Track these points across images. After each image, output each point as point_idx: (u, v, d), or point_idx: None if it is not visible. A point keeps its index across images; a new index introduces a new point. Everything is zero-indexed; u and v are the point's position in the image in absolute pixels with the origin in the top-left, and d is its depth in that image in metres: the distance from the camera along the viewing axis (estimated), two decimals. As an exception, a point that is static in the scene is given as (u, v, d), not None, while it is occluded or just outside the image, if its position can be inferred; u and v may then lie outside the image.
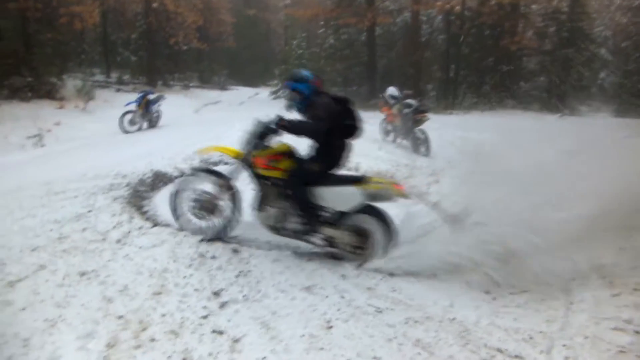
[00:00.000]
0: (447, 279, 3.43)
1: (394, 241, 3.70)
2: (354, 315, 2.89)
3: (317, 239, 3.85)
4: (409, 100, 9.67)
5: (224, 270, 3.40)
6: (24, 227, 3.98)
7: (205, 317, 2.79)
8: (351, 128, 3.81)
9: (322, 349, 2.54)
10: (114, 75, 22.19)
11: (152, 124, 12.69)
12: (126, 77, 21.87)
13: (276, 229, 3.87)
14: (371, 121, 11.82)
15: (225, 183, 3.94)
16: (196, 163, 6.48)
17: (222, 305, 2.94)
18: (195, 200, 3.99)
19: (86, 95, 14.96)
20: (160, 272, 3.27)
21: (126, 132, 11.62)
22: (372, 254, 3.72)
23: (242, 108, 18.97)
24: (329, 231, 3.78)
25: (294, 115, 3.87)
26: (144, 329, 2.64)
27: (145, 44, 22.83)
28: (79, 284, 3.08)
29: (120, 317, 2.74)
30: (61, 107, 13.79)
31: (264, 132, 3.79)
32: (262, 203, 3.87)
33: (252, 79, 32.81)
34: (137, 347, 2.49)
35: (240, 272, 3.38)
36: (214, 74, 29.79)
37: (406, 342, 2.63)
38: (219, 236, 3.93)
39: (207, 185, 4.00)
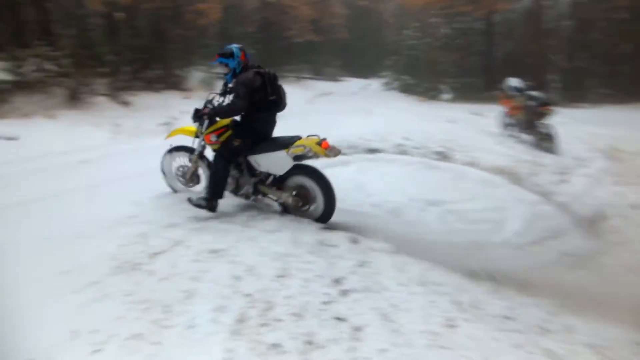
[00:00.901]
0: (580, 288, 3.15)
1: (332, 197, 4.01)
2: (478, 316, 2.77)
3: (270, 200, 4.37)
4: (532, 92, 8.98)
5: (344, 259, 3.43)
6: (164, 205, 4.38)
7: (326, 302, 2.85)
8: (276, 102, 4.25)
9: (444, 347, 2.47)
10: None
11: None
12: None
13: (235, 193, 4.38)
14: (488, 114, 11.22)
15: (196, 156, 4.46)
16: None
17: (343, 293, 2.97)
18: (179, 174, 4.69)
19: (208, 86, 16.03)
20: (283, 256, 3.40)
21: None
22: (315, 210, 4.11)
23: (354, 99, 19.03)
24: (275, 193, 4.25)
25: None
26: (270, 309, 2.76)
27: (262, 38, 23.91)
28: (211, 261, 3.31)
29: (248, 295, 2.90)
30: (187, 97, 14.92)
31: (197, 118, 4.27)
32: None
33: (363, 70, 32.68)
34: (264, 325, 2.61)
35: (360, 262, 3.40)
36: (326, 65, 30.22)
37: (536, 351, 2.46)
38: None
39: (184, 160, 4.65)
